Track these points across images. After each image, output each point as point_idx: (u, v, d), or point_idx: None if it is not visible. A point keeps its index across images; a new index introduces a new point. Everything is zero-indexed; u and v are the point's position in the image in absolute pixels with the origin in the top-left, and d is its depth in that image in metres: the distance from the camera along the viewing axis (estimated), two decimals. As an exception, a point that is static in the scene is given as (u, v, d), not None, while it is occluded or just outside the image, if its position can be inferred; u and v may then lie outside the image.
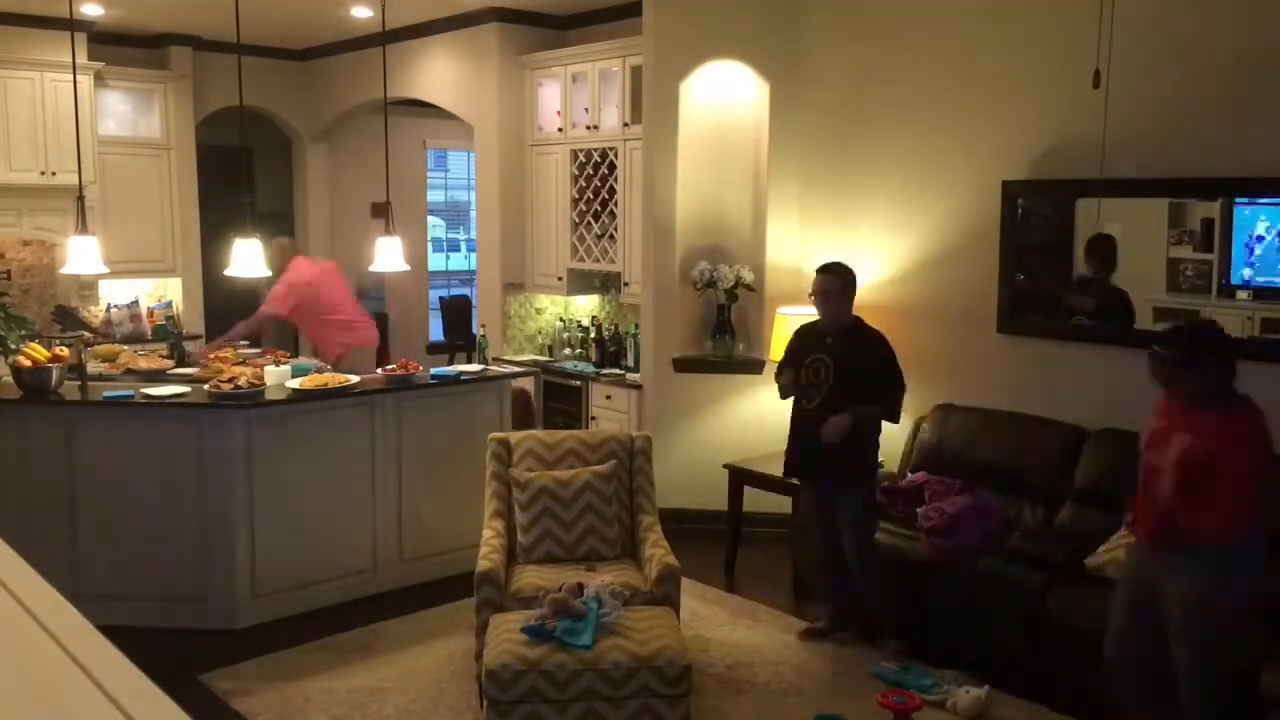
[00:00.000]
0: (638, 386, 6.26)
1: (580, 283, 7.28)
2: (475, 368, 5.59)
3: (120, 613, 4.09)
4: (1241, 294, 4.39)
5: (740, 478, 5.46)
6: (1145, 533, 3.37)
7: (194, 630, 4.52)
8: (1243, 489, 3.18)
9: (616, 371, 6.71)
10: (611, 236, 6.82)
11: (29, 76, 7.39)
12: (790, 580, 5.17)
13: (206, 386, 4.76)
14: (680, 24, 5.87)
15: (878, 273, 5.64)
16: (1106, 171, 4.47)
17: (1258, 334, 4.28)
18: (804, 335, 4.58)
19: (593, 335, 7.13)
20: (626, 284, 6.72)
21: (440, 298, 10.82)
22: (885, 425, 4.45)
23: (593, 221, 6.96)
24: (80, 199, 5.06)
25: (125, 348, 6.23)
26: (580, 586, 3.62)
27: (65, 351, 4.83)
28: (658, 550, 4.04)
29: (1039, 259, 5.08)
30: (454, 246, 12.13)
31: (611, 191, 6.77)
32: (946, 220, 5.31)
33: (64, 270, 5.13)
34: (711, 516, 5.69)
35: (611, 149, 6.71)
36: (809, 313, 5.63)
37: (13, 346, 4.73)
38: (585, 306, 7.54)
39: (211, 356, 5.64)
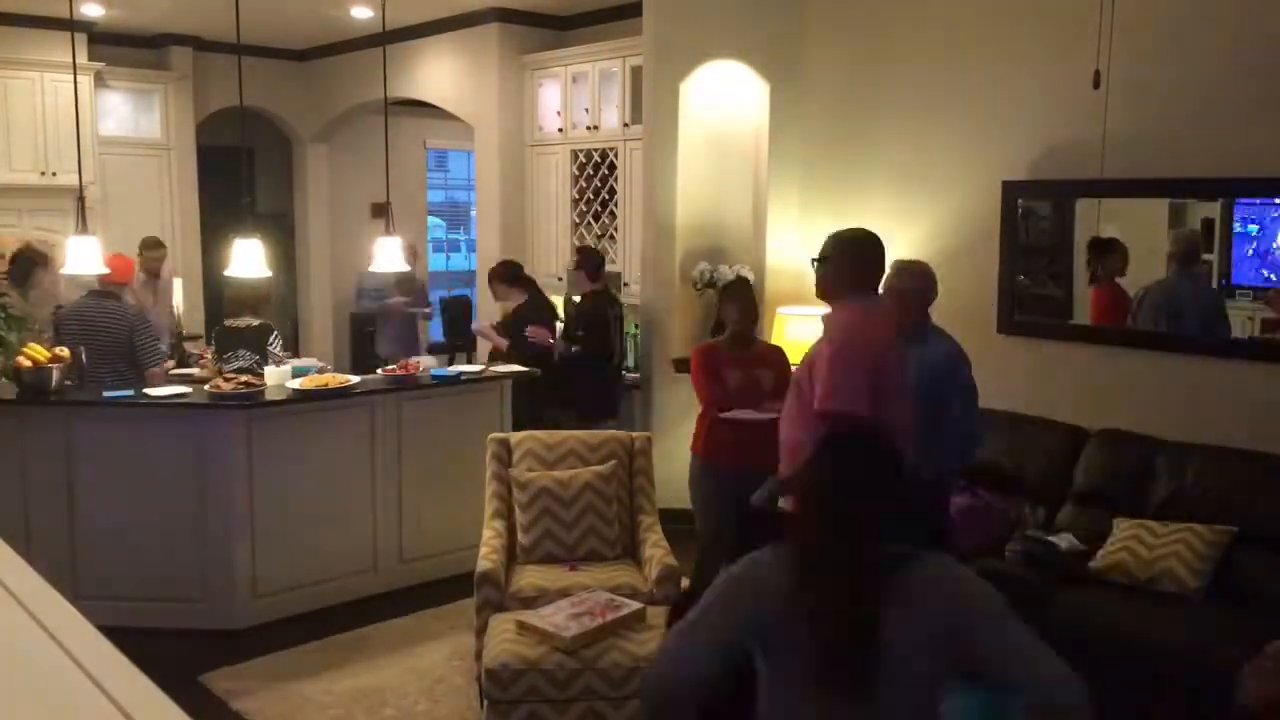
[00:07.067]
0: (638, 387, 6.26)
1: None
2: (475, 368, 5.59)
3: (120, 613, 4.07)
4: (1242, 294, 4.40)
5: (740, 478, 5.44)
6: None
7: (194, 630, 4.52)
8: None
9: (616, 371, 6.70)
10: (611, 236, 6.81)
11: (29, 77, 7.40)
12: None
13: (206, 386, 4.77)
14: (680, 24, 5.87)
15: (878, 273, 5.63)
16: (1106, 171, 4.47)
17: (1258, 334, 4.29)
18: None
19: (593, 335, 7.12)
20: (626, 284, 6.71)
21: (440, 298, 10.82)
22: None
23: (593, 222, 6.96)
24: (80, 199, 5.06)
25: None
26: None
27: (65, 352, 4.82)
28: (658, 550, 4.04)
29: (1039, 259, 5.08)
30: (454, 246, 12.13)
31: (611, 192, 6.77)
32: (946, 220, 5.31)
33: (64, 270, 5.12)
34: (711, 516, 5.67)
35: (611, 149, 6.71)
36: (809, 312, 5.64)
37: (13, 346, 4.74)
38: (585, 306, 7.53)
39: (211, 355, 5.65)
